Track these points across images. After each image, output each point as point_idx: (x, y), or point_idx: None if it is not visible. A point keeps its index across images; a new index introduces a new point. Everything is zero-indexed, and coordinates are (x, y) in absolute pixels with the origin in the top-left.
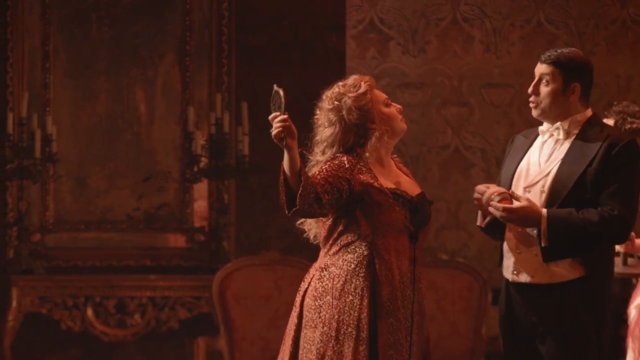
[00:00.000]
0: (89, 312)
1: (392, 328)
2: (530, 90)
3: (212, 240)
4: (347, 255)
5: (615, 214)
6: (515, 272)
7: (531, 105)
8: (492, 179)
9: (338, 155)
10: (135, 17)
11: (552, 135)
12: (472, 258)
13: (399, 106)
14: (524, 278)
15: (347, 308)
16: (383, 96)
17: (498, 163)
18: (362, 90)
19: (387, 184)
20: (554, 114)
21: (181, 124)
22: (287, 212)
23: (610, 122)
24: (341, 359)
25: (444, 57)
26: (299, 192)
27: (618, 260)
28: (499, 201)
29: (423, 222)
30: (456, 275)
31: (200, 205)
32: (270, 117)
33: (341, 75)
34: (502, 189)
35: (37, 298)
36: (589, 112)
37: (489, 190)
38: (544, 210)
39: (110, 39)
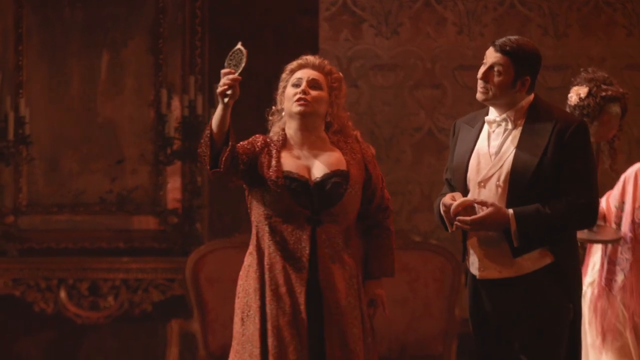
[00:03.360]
0: (62, 294)
1: (280, 311)
2: (479, 76)
3: (185, 222)
4: (252, 236)
5: (582, 202)
6: (482, 268)
7: (480, 90)
8: None
9: (257, 135)
10: None
11: (499, 125)
12: (445, 240)
13: (301, 88)
14: (491, 274)
15: (245, 292)
16: (298, 76)
17: None
18: (287, 67)
19: (290, 166)
20: (500, 102)
21: (154, 106)
22: (209, 169)
23: (583, 90)
24: (244, 342)
25: (416, 39)
26: (225, 154)
27: None
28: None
29: (327, 204)
30: (429, 257)
31: (173, 187)
32: (223, 70)
33: None
34: (466, 200)
35: (10, 280)
36: (531, 97)
37: (455, 203)
38: (511, 212)
39: (83, 21)
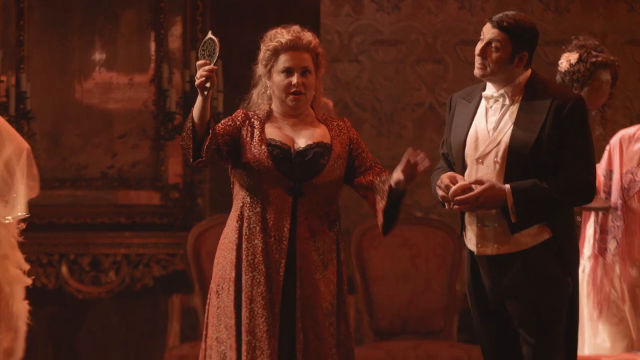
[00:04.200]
0: (64, 269)
1: (255, 281)
2: (477, 52)
3: (186, 197)
4: (232, 210)
5: (580, 178)
6: (479, 245)
7: (478, 66)
8: None
9: (238, 110)
10: None
11: (497, 100)
12: (446, 215)
13: (295, 80)
14: (489, 250)
15: (221, 265)
16: (288, 64)
17: None
18: (270, 43)
19: (273, 135)
20: (498, 78)
21: (155, 81)
22: (191, 160)
23: (573, 56)
24: (219, 315)
25: (418, 14)
26: (206, 143)
27: None
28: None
29: (308, 174)
30: (430, 233)
31: (175, 162)
32: (198, 62)
33: (315, 32)
34: (465, 184)
35: None
36: (528, 72)
37: (452, 188)
38: (507, 187)
39: None
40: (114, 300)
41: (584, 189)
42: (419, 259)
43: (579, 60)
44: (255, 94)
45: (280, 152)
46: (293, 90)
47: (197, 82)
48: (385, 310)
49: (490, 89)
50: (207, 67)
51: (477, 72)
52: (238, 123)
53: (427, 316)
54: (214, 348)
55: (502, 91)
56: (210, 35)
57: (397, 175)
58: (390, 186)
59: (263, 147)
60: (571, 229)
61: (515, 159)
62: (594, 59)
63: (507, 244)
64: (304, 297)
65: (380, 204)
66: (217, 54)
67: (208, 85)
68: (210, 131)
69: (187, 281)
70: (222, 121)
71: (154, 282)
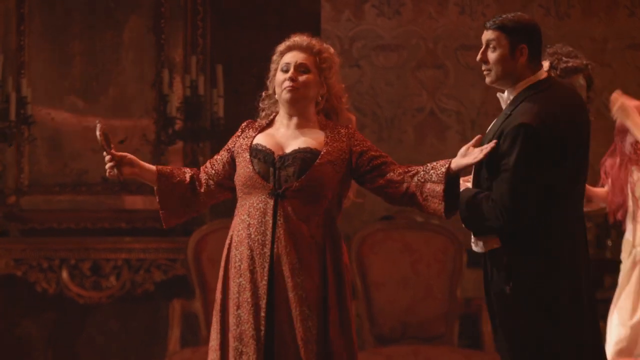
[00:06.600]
0: (64, 274)
1: (240, 288)
2: (478, 57)
3: None
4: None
5: (496, 201)
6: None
7: (484, 72)
8: (466, 141)
9: (245, 121)
10: None
11: (506, 103)
12: (448, 220)
13: (289, 74)
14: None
15: (219, 272)
16: (287, 61)
17: (473, 125)
18: (277, 49)
19: (261, 141)
20: (506, 79)
21: (156, 86)
22: (164, 225)
23: (544, 64)
24: (214, 322)
25: (418, 20)
26: (162, 216)
27: None
28: None
29: (288, 178)
30: (431, 238)
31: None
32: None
33: (316, 38)
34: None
35: (12, 260)
36: (537, 77)
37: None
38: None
39: (85, 2)
40: (114, 305)
41: (497, 213)
42: (420, 265)
43: (550, 67)
44: (266, 106)
45: (262, 156)
46: (286, 84)
47: (107, 175)
48: (386, 316)
49: (505, 94)
50: (107, 158)
51: (486, 80)
52: (234, 140)
53: (428, 322)
54: (209, 355)
55: (507, 94)
56: (96, 123)
57: (463, 160)
58: (447, 171)
59: (246, 154)
60: (530, 243)
61: (480, 165)
62: (564, 65)
63: (476, 246)
64: (282, 301)
65: (439, 188)
66: (103, 141)
67: (115, 173)
68: (160, 193)
69: (188, 286)
70: (218, 155)
71: (155, 287)
